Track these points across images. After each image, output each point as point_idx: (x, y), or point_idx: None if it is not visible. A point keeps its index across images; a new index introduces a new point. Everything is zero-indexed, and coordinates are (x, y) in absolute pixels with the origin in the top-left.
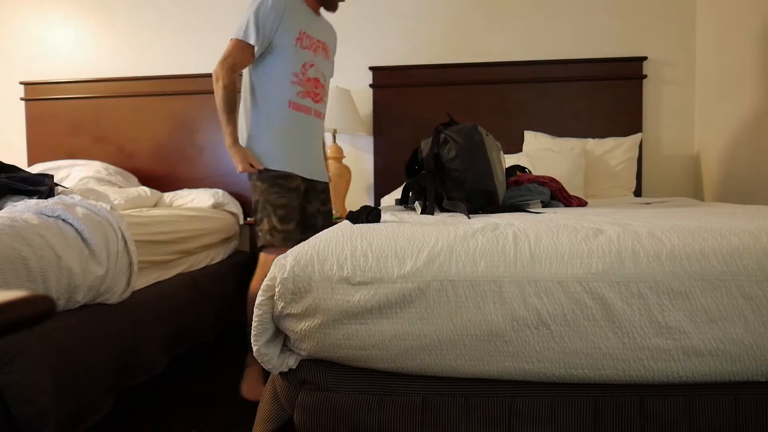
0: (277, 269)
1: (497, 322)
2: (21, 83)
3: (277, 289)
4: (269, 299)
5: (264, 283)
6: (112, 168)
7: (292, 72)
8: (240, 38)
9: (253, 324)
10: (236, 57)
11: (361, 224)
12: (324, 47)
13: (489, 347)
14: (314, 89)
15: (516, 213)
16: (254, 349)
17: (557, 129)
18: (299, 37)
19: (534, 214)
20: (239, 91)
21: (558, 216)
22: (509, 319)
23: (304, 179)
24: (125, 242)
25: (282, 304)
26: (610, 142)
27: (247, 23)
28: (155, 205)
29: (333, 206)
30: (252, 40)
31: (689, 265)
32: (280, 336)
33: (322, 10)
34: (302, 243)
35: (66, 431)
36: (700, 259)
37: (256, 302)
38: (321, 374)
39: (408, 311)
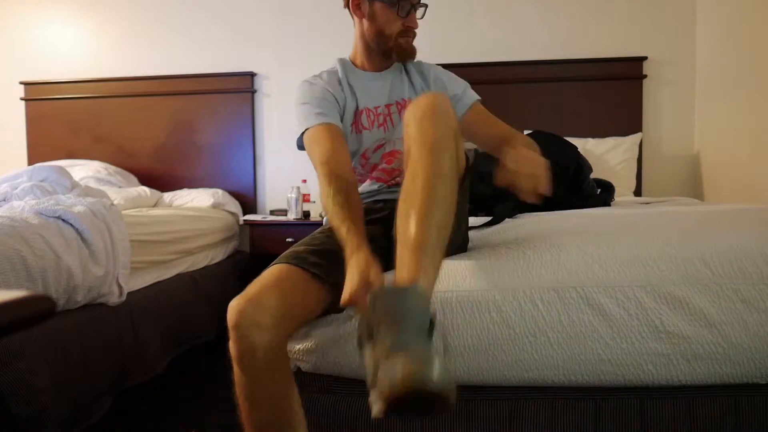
0: None
1: (494, 332)
2: (21, 83)
3: None
4: None
5: None
6: (112, 168)
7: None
8: None
9: None
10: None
11: None
12: (397, 105)
13: (487, 357)
14: (388, 167)
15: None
16: None
17: (557, 129)
18: (354, 121)
19: (528, 219)
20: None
21: (551, 221)
22: (506, 329)
23: None
24: (113, 241)
25: None
26: (610, 141)
27: None
28: (155, 205)
29: None
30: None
31: (686, 270)
32: None
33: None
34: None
35: (66, 431)
36: (697, 264)
37: None
38: (321, 377)
39: None
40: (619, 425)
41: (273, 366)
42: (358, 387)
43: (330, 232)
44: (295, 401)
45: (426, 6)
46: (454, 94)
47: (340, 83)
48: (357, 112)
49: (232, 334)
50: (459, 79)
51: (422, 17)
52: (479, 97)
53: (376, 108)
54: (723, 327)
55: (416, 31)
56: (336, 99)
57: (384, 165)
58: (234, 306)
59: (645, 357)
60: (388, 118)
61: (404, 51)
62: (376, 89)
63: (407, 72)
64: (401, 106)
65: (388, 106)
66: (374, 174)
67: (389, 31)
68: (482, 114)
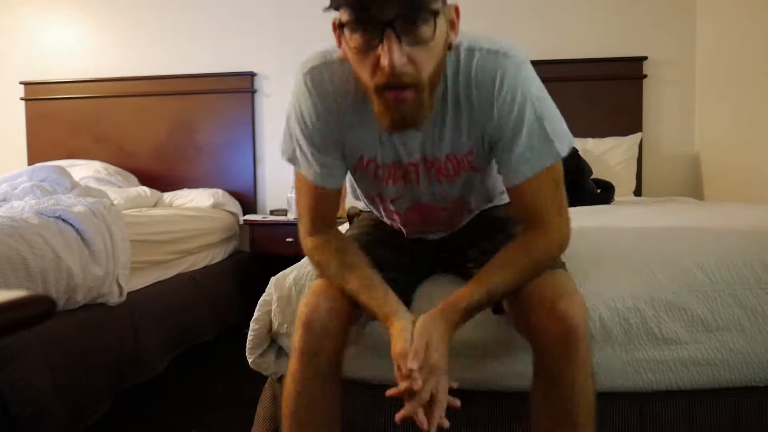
0: (275, 287)
1: (494, 342)
2: (21, 83)
3: (273, 306)
4: (266, 314)
5: (262, 298)
6: (112, 168)
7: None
8: None
9: (249, 337)
10: None
11: None
12: (425, 163)
13: (487, 367)
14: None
15: None
16: (249, 360)
17: None
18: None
19: None
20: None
21: None
22: (505, 340)
23: None
24: (113, 241)
25: (278, 322)
26: (609, 141)
27: None
28: (155, 205)
29: None
30: None
31: (684, 277)
32: (276, 343)
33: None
34: (302, 263)
35: (66, 431)
36: (694, 270)
37: (254, 316)
38: None
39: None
40: (618, 424)
41: (333, 373)
42: (358, 385)
43: (370, 221)
44: (339, 411)
45: (415, 23)
46: (515, 157)
47: (344, 110)
48: (361, 160)
49: (302, 332)
50: (556, 131)
51: (417, 43)
52: (554, 159)
53: (393, 163)
54: (721, 333)
55: (419, 77)
56: (335, 133)
57: (416, 217)
58: (308, 303)
59: (644, 364)
60: (413, 175)
61: (391, 115)
62: (395, 145)
63: (456, 104)
64: (432, 164)
65: (412, 164)
66: (398, 220)
67: (363, 77)
68: (535, 190)
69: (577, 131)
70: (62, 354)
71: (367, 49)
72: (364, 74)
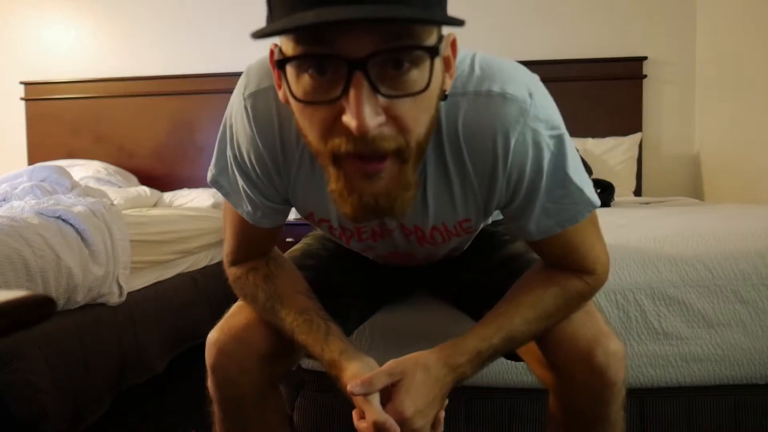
0: None
1: None
2: (21, 83)
3: None
4: None
5: None
6: (112, 168)
7: None
8: None
9: None
10: None
11: None
12: (403, 230)
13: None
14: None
15: None
16: None
17: None
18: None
19: None
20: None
21: None
22: None
23: None
24: (113, 241)
25: None
26: (609, 141)
27: None
28: (155, 205)
29: None
30: None
31: (685, 272)
32: None
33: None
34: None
35: (66, 431)
36: (696, 265)
37: None
38: (319, 376)
39: (407, 332)
40: None
41: (264, 412)
42: None
43: (320, 237)
44: None
45: (404, 62)
46: (534, 218)
47: (290, 155)
48: (311, 215)
49: (211, 376)
50: (581, 177)
51: (401, 93)
52: (587, 211)
53: (356, 228)
54: (722, 328)
55: (405, 141)
56: (275, 180)
57: (394, 259)
58: (213, 342)
59: (644, 359)
60: (386, 235)
61: (357, 196)
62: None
63: (442, 171)
64: (411, 232)
65: (386, 230)
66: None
67: (312, 139)
68: (564, 243)
69: (577, 131)
70: (62, 354)
71: (321, 99)
72: (313, 134)
